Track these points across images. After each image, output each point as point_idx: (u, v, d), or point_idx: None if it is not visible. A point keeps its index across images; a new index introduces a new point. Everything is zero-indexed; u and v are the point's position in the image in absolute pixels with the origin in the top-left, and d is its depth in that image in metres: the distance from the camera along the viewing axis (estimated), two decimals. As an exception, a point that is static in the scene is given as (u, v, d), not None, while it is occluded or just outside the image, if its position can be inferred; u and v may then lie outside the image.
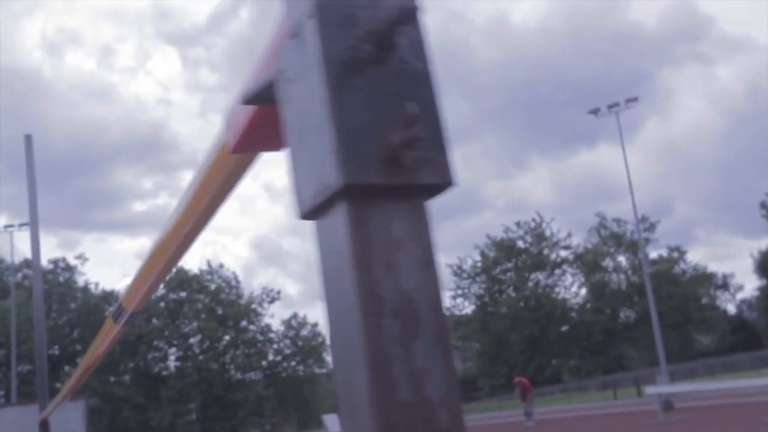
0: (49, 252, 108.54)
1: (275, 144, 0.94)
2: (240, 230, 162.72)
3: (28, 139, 7.94)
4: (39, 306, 7.55)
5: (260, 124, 0.91)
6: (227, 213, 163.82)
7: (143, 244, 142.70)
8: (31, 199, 7.62)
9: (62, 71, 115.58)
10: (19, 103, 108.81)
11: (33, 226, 7.63)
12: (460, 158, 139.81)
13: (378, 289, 0.60)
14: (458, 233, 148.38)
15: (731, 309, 75.78)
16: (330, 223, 0.63)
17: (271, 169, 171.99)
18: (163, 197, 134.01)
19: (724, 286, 71.00)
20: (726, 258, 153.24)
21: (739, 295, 76.42)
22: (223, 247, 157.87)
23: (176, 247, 1.47)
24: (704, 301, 67.50)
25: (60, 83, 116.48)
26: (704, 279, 67.92)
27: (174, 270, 1.48)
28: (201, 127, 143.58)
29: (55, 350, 57.85)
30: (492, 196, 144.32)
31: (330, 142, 0.63)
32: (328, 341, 0.66)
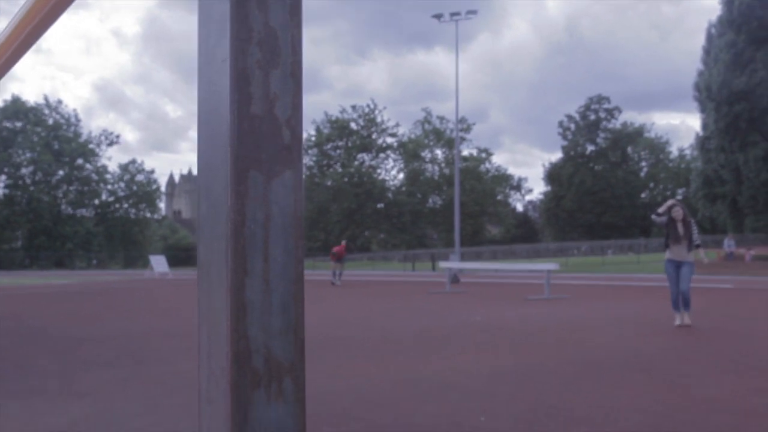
0: None
1: None
2: (82, 71, 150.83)
3: None
4: None
5: None
6: (70, 51, 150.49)
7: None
8: None
9: None
10: None
11: None
12: (311, 40, 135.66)
13: (249, 21, 0.65)
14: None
15: (519, 207, 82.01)
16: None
17: (122, 15, 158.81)
18: (2, 21, 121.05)
19: (518, 187, 76.63)
20: (523, 165, 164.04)
21: (528, 197, 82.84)
22: (64, 84, 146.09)
23: (40, 20, 1.35)
24: (499, 197, 72.48)
25: None
26: (503, 179, 72.70)
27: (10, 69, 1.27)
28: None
29: None
30: (333, 78, 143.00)
31: None
32: (198, 71, 0.70)
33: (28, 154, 59.28)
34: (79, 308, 15.89)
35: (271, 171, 0.68)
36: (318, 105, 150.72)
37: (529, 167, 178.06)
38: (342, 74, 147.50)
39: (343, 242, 26.83)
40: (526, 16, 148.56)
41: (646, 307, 13.19)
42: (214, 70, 0.65)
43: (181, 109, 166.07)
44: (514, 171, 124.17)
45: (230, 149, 0.65)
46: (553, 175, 70.70)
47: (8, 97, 59.74)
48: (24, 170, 59.84)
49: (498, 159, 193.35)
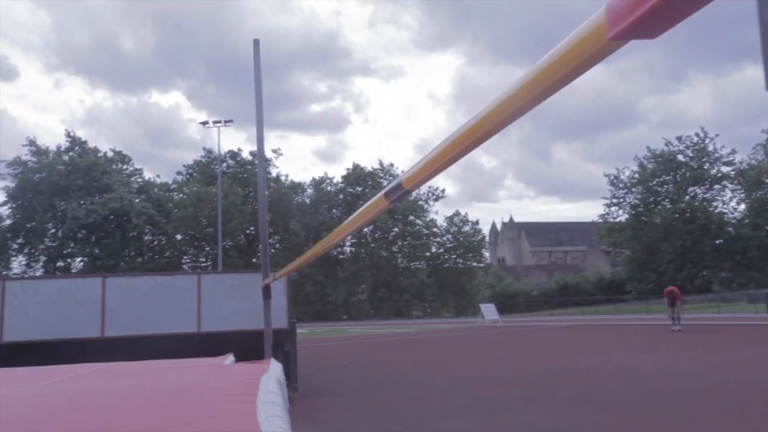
0: (240, 145, 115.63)
1: (656, 33, 0.90)
2: (404, 134, 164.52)
3: (256, 43, 7.77)
4: (263, 193, 7.77)
5: (654, 14, 0.84)
6: (393, 117, 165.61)
7: (319, 142, 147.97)
8: (258, 98, 7.64)
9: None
10: (213, 11, 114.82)
11: (258, 122, 7.56)
12: (619, 72, 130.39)
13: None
14: (611, 145, 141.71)
15: None
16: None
17: (433, 78, 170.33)
18: (337, 100, 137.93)
19: None
20: None
21: None
22: (388, 148, 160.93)
23: (485, 130, 1.48)
24: None
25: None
26: None
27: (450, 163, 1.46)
28: (370, 36, 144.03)
29: (251, 230, 62.12)
30: (647, 110, 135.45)
31: None
32: None
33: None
34: (422, 356, 17.10)
35: None
36: (633, 140, 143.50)
37: None
38: (657, 104, 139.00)
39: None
40: None
41: None
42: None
43: (495, 159, 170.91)
44: None
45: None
46: None
47: (349, 165, 67.65)
48: (365, 229, 66.90)
49: None
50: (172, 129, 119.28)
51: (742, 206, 61.76)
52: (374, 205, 2.35)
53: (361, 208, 2.66)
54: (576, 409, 7.57)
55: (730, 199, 63.07)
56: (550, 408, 7.69)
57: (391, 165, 69.29)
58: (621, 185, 63.24)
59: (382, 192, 2.20)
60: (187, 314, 9.78)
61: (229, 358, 6.21)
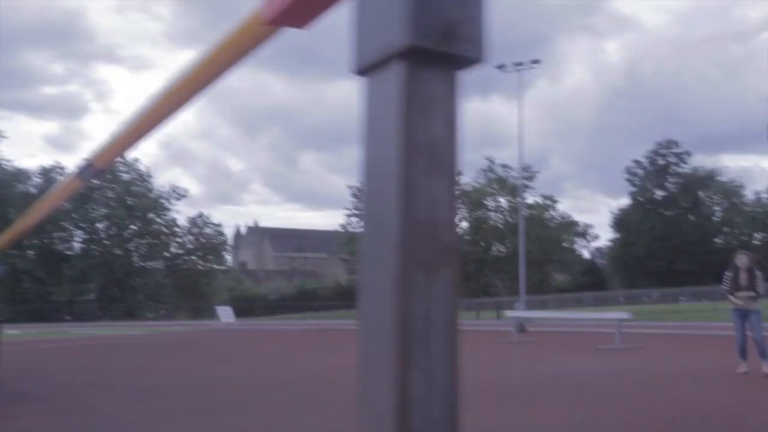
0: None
1: (305, 21, 0.97)
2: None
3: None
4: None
5: (299, 6, 0.91)
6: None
7: (51, 128, 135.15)
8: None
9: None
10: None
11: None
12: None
13: (414, 132, 0.71)
14: (356, 158, 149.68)
15: (586, 254, 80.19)
16: (385, 78, 0.70)
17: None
18: (75, 85, 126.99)
19: (584, 234, 75.13)
20: (587, 211, 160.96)
21: (594, 244, 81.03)
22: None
23: (167, 109, 1.45)
24: (565, 245, 71.07)
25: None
26: (568, 226, 71.60)
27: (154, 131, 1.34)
28: (119, 22, 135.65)
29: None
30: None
31: (401, 10, 0.70)
32: (362, 178, 0.76)
33: (103, 210, 61.59)
34: (150, 358, 16.26)
35: (432, 270, 0.73)
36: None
37: (593, 214, 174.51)
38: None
39: None
40: (584, 62, 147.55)
41: (724, 357, 12.65)
42: (378, 184, 0.71)
43: (242, 162, 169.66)
44: (578, 217, 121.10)
45: (395, 250, 0.70)
46: (621, 221, 69.06)
47: (87, 156, 62.81)
48: (99, 225, 62.24)
49: (562, 206, 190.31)
50: None
51: (464, 224, 68.36)
52: (66, 186, 2.10)
53: (52, 189, 2.39)
54: (302, 409, 7.66)
55: (460, 219, 69.28)
56: (277, 409, 7.71)
57: (136, 160, 65.35)
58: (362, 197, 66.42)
59: (75, 173, 1.98)
60: None
61: None
